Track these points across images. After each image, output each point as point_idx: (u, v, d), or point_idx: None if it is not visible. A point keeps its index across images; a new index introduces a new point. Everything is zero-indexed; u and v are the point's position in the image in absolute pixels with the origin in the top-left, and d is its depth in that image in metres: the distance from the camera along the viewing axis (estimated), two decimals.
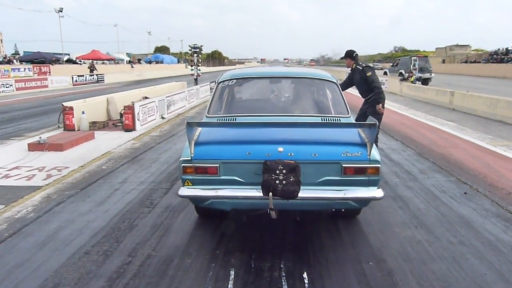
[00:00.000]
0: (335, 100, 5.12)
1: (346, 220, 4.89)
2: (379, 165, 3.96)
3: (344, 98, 5.12)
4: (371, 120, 4.01)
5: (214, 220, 4.87)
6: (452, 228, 4.68)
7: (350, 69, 7.63)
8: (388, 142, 9.46)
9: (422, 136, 10.18)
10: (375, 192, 3.99)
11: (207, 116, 4.91)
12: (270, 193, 3.77)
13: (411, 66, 29.80)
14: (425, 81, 29.19)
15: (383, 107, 7.33)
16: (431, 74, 30.15)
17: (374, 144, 4.00)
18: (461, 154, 8.20)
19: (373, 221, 4.88)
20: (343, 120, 4.72)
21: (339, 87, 5.30)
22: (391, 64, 37.21)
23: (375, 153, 3.98)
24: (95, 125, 11.39)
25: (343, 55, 7.70)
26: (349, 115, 4.85)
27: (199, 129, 4.31)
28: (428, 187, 6.12)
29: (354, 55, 7.59)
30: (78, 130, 10.93)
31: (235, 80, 5.41)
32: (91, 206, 5.42)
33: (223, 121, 4.71)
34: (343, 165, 3.91)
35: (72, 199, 5.71)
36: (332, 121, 4.70)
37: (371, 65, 7.78)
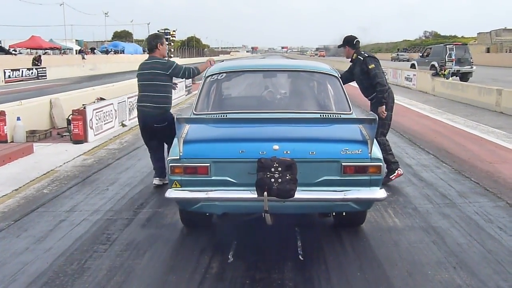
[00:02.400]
0: (336, 96, 5.79)
1: (362, 258, 4.90)
2: (381, 164, 4.60)
3: (346, 93, 5.72)
4: (371, 115, 4.65)
5: (191, 259, 4.86)
6: (501, 268, 4.69)
7: (350, 60, 7.70)
8: (417, 156, 9.51)
9: (461, 148, 10.25)
10: (377, 193, 4.64)
11: (194, 114, 5.54)
12: (265, 193, 4.31)
13: (446, 56, 30.06)
14: (464, 76, 29.48)
15: (389, 109, 7.38)
16: (471, 67, 30.45)
17: (375, 141, 4.65)
18: None
19: (399, 260, 4.88)
20: (343, 117, 5.38)
21: (341, 81, 5.94)
22: (420, 54, 37.47)
23: (376, 151, 4.62)
24: (34, 135, 11.33)
25: (341, 43, 7.72)
26: (351, 112, 5.53)
27: (188, 126, 4.88)
28: (470, 215, 6.15)
29: (354, 42, 7.56)
30: (12, 141, 10.86)
31: (224, 74, 6.06)
32: (28, 243, 5.36)
33: (213, 117, 5.38)
34: (343, 164, 4.54)
35: (3, 234, 5.65)
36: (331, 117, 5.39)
37: (375, 55, 7.75)
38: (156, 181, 7.45)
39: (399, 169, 7.54)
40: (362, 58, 7.38)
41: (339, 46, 7.81)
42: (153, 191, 7.19)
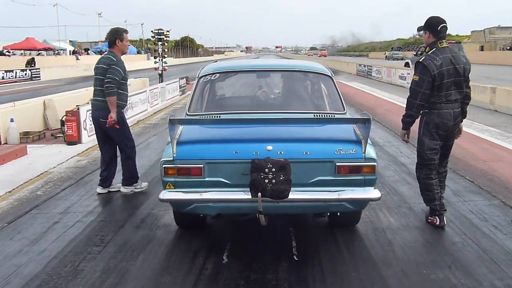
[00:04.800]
0: (330, 96, 5.82)
1: (357, 258, 4.91)
2: (375, 163, 4.64)
3: (340, 93, 5.72)
4: (364, 114, 4.67)
5: (186, 261, 4.85)
6: (496, 268, 4.69)
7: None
8: (412, 155, 9.48)
9: (455, 147, 10.10)
10: (372, 193, 4.68)
11: (187, 115, 5.56)
12: (259, 194, 4.33)
13: None
14: None
15: (426, 134, 5.74)
16: None
17: (369, 141, 4.69)
18: (507, 170, 8.27)
19: (393, 259, 4.88)
20: (337, 117, 5.41)
21: (334, 81, 5.91)
22: (414, 53, 37.60)
23: (370, 151, 4.67)
24: (28, 137, 11.30)
25: (421, 26, 5.75)
26: (345, 112, 5.58)
27: (181, 127, 4.91)
28: (465, 213, 6.16)
29: (439, 28, 5.56)
30: (5, 143, 10.83)
31: (218, 75, 6.09)
32: (21, 245, 5.34)
33: (207, 118, 5.41)
34: (337, 164, 4.58)
35: None
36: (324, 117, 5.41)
37: (438, 56, 5.46)
38: (98, 189, 7.23)
39: (436, 217, 5.74)
40: (418, 60, 5.67)
41: (419, 29, 5.77)
42: (147, 192, 7.17)
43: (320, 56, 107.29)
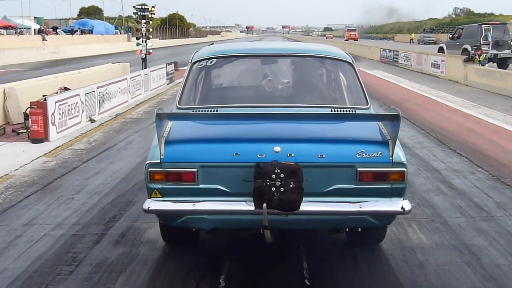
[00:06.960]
0: (350, 86, 5.80)
1: (381, 283, 4.90)
2: (404, 169, 4.56)
3: (362, 83, 5.65)
4: (393, 110, 4.58)
5: (175, 284, 4.84)
6: None
7: None
8: (447, 159, 9.51)
9: (500, 150, 10.24)
10: (400, 204, 4.56)
11: (178, 108, 5.54)
12: (264, 205, 4.25)
13: (481, 38, 30.10)
14: (503, 62, 29.42)
15: None
16: None
17: (398, 142, 4.57)
18: None
19: (426, 285, 4.89)
20: (359, 112, 5.35)
21: (355, 68, 5.87)
22: (450, 36, 37.57)
23: (399, 154, 4.58)
24: None
25: None
26: (368, 106, 5.53)
27: (171, 122, 4.86)
28: (511, 230, 6.15)
29: None
30: None
31: (214, 60, 6.04)
32: None
33: (201, 112, 5.37)
34: (358, 169, 4.51)
35: None
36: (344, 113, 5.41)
37: None
38: None
39: None
40: None
41: None
42: (128, 201, 7.17)
43: (347, 40, 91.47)
